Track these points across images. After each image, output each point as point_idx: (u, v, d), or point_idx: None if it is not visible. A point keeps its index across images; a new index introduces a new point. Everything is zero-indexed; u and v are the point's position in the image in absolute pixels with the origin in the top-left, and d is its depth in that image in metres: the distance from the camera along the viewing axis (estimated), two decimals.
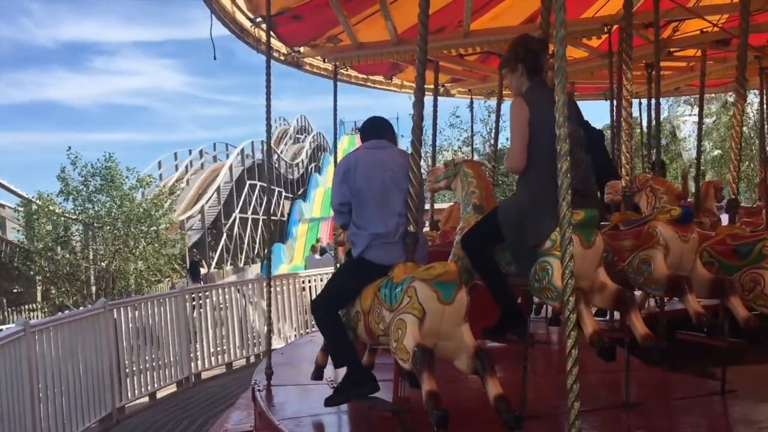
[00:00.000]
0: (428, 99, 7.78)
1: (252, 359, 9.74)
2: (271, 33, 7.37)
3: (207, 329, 8.79)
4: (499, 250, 3.78)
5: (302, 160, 38.80)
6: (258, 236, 30.41)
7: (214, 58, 6.19)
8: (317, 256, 14.61)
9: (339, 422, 4.05)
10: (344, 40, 8.07)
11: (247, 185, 29.80)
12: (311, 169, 39.96)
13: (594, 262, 3.45)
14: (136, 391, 7.57)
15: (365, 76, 9.89)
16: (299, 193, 36.52)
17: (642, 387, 4.35)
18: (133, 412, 7.50)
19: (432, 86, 8.98)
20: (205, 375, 8.67)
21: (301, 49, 8.33)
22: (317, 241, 17.98)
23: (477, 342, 3.20)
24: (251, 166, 31.43)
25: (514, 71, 3.81)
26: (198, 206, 26.26)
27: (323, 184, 36.22)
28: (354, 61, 8.49)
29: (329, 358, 4.03)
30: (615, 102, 7.78)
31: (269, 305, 5.49)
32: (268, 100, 5.26)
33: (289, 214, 33.06)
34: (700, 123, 8.93)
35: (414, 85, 3.94)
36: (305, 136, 43.29)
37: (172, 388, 8.09)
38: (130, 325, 7.50)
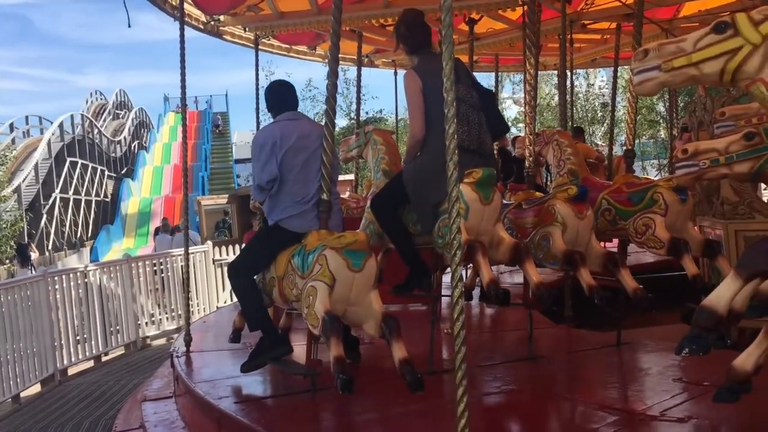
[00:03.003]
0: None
1: (122, 350, 9.20)
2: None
3: (72, 318, 8.10)
4: (406, 211, 4.04)
5: (125, 137, 36.67)
6: (81, 219, 28.37)
7: (129, 26, 5.74)
8: (168, 236, 14.00)
9: (253, 383, 4.19)
10: (265, 9, 7.91)
11: (67, 162, 27.63)
12: (135, 146, 37.87)
13: (493, 217, 3.82)
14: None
15: (288, 46, 9.83)
16: (123, 171, 34.50)
17: (548, 341, 4.83)
18: None
19: (355, 56, 9.00)
20: (71, 371, 8.05)
21: (221, 18, 8.11)
22: (165, 221, 17.15)
23: (384, 308, 3.46)
24: (71, 142, 29.11)
25: (398, 49, 4.14)
26: (14, 185, 23.86)
27: (151, 162, 34.58)
28: (275, 30, 8.37)
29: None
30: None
31: (187, 277, 5.67)
32: (183, 68, 5.15)
33: (115, 194, 31.16)
34: (614, 93, 9.73)
35: (341, 54, 4.05)
36: (125, 112, 40.87)
37: (36, 388, 7.45)
38: None
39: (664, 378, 3.76)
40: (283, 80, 4.32)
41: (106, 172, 32.34)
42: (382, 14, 7.94)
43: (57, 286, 7.91)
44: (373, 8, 7.96)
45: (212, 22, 8.36)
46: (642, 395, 3.59)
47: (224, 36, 8.82)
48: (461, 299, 2.30)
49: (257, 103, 7.70)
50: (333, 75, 3.86)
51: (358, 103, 9.80)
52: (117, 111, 40.53)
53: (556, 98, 11.48)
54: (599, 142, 23.76)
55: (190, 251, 10.48)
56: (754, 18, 2.21)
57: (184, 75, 5.26)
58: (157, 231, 15.76)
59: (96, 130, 32.54)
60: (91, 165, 30.34)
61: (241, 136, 45.86)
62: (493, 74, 12.25)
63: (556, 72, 11.02)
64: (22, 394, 7.17)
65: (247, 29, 8.63)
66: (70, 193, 27.63)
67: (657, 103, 24.75)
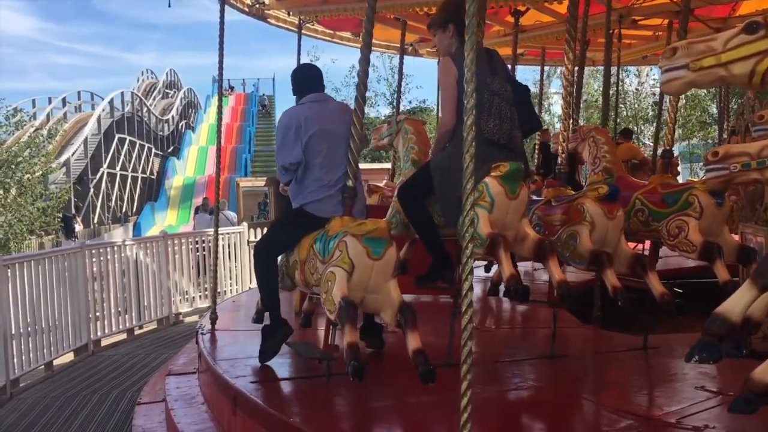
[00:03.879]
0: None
1: (155, 325, 9.39)
2: None
3: (108, 291, 8.32)
4: (432, 202, 4.02)
5: (173, 116, 37.36)
6: (126, 194, 29.03)
7: (169, 5, 5.87)
8: (208, 215, 14.24)
9: (273, 364, 4.20)
10: None
11: (116, 139, 28.31)
12: (182, 126, 38.53)
13: (519, 212, 3.76)
14: (31, 360, 6.97)
15: (332, 32, 9.87)
16: (169, 150, 35.16)
17: (573, 341, 4.77)
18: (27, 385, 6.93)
19: (398, 45, 9.02)
20: (105, 342, 8.26)
21: (266, 1, 8.18)
22: (206, 200, 17.44)
23: (402, 297, 3.45)
24: (120, 119, 29.80)
25: (445, 31, 4.03)
26: (63, 158, 24.52)
27: (196, 142, 35.18)
28: (319, 16, 8.42)
29: None
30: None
31: (215, 256, 5.95)
32: (221, 47, 5.24)
33: (161, 172, 31.79)
34: (662, 92, 9.50)
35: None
36: (175, 92, 41.59)
37: (70, 357, 7.65)
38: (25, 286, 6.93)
39: (686, 385, 3.70)
40: (308, 63, 4.36)
41: (153, 150, 33.01)
42: (427, 2, 7.90)
43: (94, 259, 8.09)
44: None
45: (257, 5, 8.43)
46: (660, 401, 3.54)
47: (269, 20, 8.89)
48: (470, 292, 2.29)
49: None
50: (364, 62, 3.85)
51: (399, 92, 9.80)
52: (167, 90, 41.33)
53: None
54: (647, 142, 23.35)
55: (225, 232, 10.80)
56: None
57: (222, 57, 5.37)
58: (197, 210, 16.02)
59: (145, 108, 33.21)
60: (138, 142, 31.00)
61: None
62: (539, 67, 12.10)
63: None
64: (56, 362, 7.38)
65: (291, 13, 8.69)
66: (117, 168, 28.30)
67: (710, 105, 24.15)
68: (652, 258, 4.85)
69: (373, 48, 11.19)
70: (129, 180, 29.53)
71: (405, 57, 9.84)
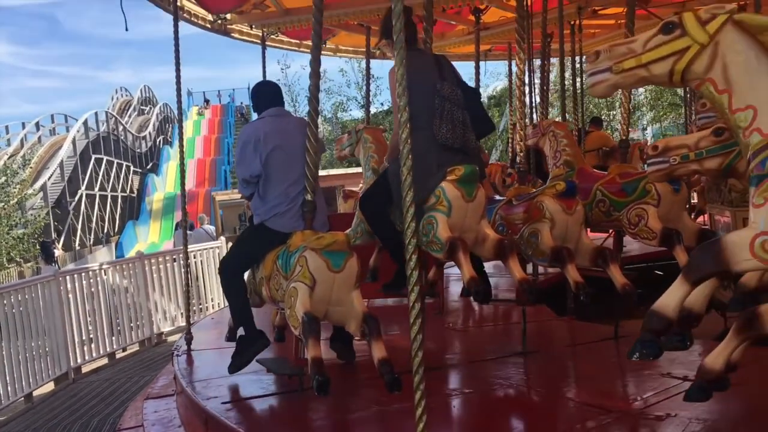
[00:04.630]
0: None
1: (137, 347, 9.37)
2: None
3: (85, 316, 8.29)
4: (393, 208, 4.06)
5: (149, 133, 37.19)
6: (107, 214, 28.85)
7: (126, 29, 5.86)
8: (188, 232, 14.22)
9: (246, 383, 4.24)
10: (270, 6, 8.09)
11: (92, 159, 28.09)
12: (160, 141, 38.37)
13: (477, 214, 3.82)
14: (9, 393, 6.90)
15: (298, 41, 9.92)
16: (148, 167, 35.01)
17: (546, 335, 4.88)
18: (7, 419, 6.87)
19: (364, 50, 9.11)
20: (86, 368, 8.22)
21: (228, 16, 8.24)
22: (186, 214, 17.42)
23: (365, 308, 3.51)
24: (96, 139, 29.60)
25: (387, 42, 4.10)
26: (39, 183, 24.37)
27: (175, 157, 34.97)
28: (282, 27, 8.48)
29: None
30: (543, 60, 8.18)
31: (187, 274, 5.84)
32: (178, 65, 5.25)
33: (140, 190, 31.64)
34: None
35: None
36: (150, 108, 41.43)
37: (50, 386, 7.63)
38: None
39: (653, 373, 3.73)
40: (267, 80, 4.40)
41: (132, 168, 32.80)
42: (378, 10, 7.96)
43: (69, 286, 8.07)
44: (378, 2, 7.98)
45: (218, 21, 8.47)
46: (627, 391, 3.63)
47: (232, 34, 8.96)
48: (418, 303, 2.34)
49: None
50: (315, 75, 3.86)
51: (367, 97, 9.87)
52: (142, 107, 41.11)
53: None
54: (618, 128, 23.50)
55: (203, 247, 10.78)
56: (701, 17, 2.20)
57: (179, 76, 5.38)
58: (177, 226, 15.99)
59: (121, 127, 33.03)
60: (116, 161, 30.81)
61: None
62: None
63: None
64: (37, 392, 7.35)
65: (253, 27, 8.74)
66: (96, 189, 28.08)
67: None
68: (616, 247, 4.93)
69: (340, 54, 11.35)
70: (109, 200, 29.32)
71: (374, 60, 9.91)
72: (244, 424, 3.55)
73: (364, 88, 28.65)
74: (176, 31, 5.41)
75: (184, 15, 7.58)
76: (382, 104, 30.18)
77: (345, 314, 3.53)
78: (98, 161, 28.70)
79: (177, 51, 5.35)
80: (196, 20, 8.26)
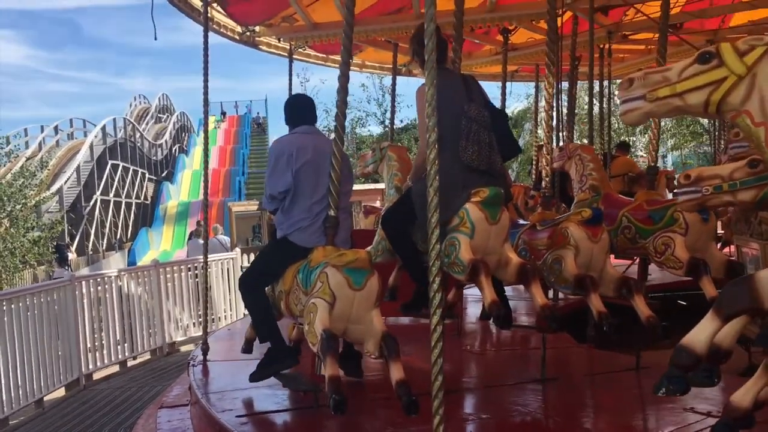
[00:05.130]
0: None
1: (148, 355, 9.44)
2: (223, 11, 7.37)
3: (99, 323, 8.38)
4: (415, 228, 4.10)
5: (166, 141, 37.60)
6: (120, 220, 29.11)
7: (155, 38, 6.00)
8: (200, 241, 14.30)
9: (261, 396, 4.28)
10: (299, 20, 8.25)
11: (109, 165, 28.40)
12: (175, 150, 38.75)
13: (500, 237, 3.82)
14: (21, 397, 6.89)
15: (324, 55, 10.09)
16: (163, 174, 35.34)
17: (566, 362, 4.88)
18: (18, 423, 6.91)
19: (391, 66, 9.19)
20: (97, 376, 8.29)
21: (257, 29, 8.41)
22: (199, 225, 17.53)
23: (384, 327, 3.50)
24: (113, 145, 29.97)
25: (416, 61, 4.15)
26: (55, 187, 24.64)
27: (190, 166, 35.40)
28: (309, 41, 8.62)
29: None
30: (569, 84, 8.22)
31: (206, 284, 5.99)
32: (206, 73, 5.34)
33: (154, 197, 31.90)
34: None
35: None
36: (167, 116, 41.92)
37: (61, 392, 7.67)
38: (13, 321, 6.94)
39: (675, 407, 3.72)
40: (303, 94, 4.45)
41: (147, 175, 33.12)
42: (416, 25, 8.05)
43: (84, 291, 8.16)
44: (407, 19, 8.10)
45: (248, 33, 8.62)
46: (648, 424, 3.62)
47: (260, 46, 9.11)
48: (440, 326, 2.36)
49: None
50: (342, 91, 3.92)
51: (393, 113, 9.89)
52: (159, 115, 41.56)
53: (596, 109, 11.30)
54: (642, 154, 23.44)
55: (218, 258, 10.87)
56: (739, 48, 2.21)
57: (206, 84, 5.52)
58: (191, 236, 16.09)
59: (138, 134, 33.39)
60: (132, 167, 31.13)
61: None
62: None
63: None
64: (48, 398, 7.39)
65: (281, 40, 8.87)
66: (111, 195, 28.37)
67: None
68: (641, 276, 4.92)
69: (365, 70, 11.46)
70: (123, 206, 29.59)
71: (399, 77, 9.99)
72: None
73: (383, 104, 29.16)
74: (206, 42, 5.54)
75: (214, 26, 7.71)
76: (401, 121, 30.33)
77: (364, 333, 3.54)
78: (114, 167, 29.00)
79: (206, 60, 5.49)
80: (225, 32, 8.41)
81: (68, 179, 25.78)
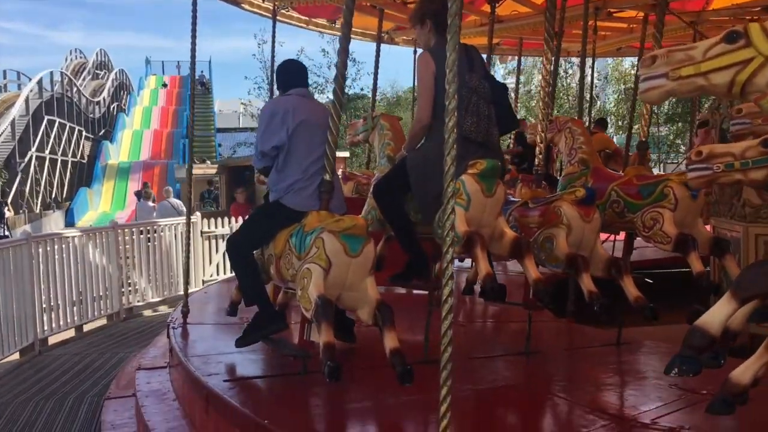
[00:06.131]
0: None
1: (105, 321, 9.36)
2: None
3: (54, 285, 8.23)
4: (408, 199, 4.19)
5: (104, 98, 36.71)
6: (56, 179, 28.37)
7: None
8: (150, 203, 14.14)
9: (246, 361, 4.34)
10: None
11: (45, 120, 27.55)
12: (114, 108, 37.90)
13: (495, 210, 3.95)
14: None
15: (307, 18, 9.96)
16: (101, 133, 34.58)
17: (548, 336, 5.06)
18: None
19: (375, 33, 9.15)
20: (52, 340, 8.17)
21: None
22: (146, 186, 17.30)
23: (379, 295, 3.59)
24: (49, 100, 29.01)
25: (423, 26, 4.21)
26: None
27: (130, 125, 34.85)
28: (294, 2, 8.46)
29: None
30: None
31: (188, 245, 5.84)
32: (194, 31, 5.25)
33: (92, 156, 31.19)
34: (636, 84, 9.79)
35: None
36: (105, 73, 40.87)
37: (15, 357, 7.49)
38: None
39: (660, 383, 3.87)
40: (295, 59, 4.51)
41: (84, 133, 32.31)
42: None
43: (41, 250, 8.00)
44: None
45: None
46: (635, 400, 3.72)
47: (243, 4, 8.99)
48: (450, 297, 2.38)
49: (272, 73, 7.78)
50: (343, 52, 3.94)
51: (375, 82, 9.76)
52: (97, 71, 40.45)
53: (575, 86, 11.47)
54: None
55: (176, 221, 10.77)
56: (767, 28, 2.26)
57: (194, 44, 5.61)
58: (138, 197, 15.86)
59: (75, 89, 32.45)
60: (68, 124, 30.29)
61: (223, 104, 45.85)
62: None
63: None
64: (1, 362, 7.25)
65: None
66: (47, 152, 27.58)
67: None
68: (627, 249, 5.13)
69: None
70: (59, 164, 28.82)
71: (357, 43, 9.95)
72: (248, 403, 3.61)
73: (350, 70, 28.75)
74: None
75: None
76: (361, 89, 30.09)
77: (358, 300, 3.61)
78: (50, 123, 28.15)
79: (194, 15, 5.53)
80: None
81: (2, 133, 24.95)
